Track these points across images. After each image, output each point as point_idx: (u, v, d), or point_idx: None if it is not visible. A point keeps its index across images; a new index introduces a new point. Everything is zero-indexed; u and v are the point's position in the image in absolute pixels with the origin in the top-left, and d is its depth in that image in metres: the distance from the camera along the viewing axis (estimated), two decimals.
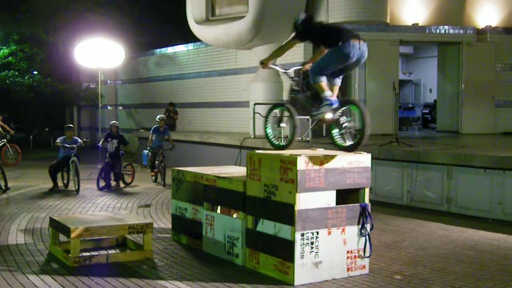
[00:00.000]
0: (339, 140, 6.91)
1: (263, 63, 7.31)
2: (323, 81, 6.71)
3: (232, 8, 17.62)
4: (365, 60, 6.81)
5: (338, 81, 6.93)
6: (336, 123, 6.86)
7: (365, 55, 6.67)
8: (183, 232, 8.13)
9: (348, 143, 6.80)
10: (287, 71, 7.29)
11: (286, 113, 7.33)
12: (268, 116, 7.56)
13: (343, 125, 6.78)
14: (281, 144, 7.45)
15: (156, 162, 14.52)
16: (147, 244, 7.33)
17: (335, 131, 6.93)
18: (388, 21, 17.11)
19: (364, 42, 6.66)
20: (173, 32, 24.55)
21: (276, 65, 7.45)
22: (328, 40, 6.65)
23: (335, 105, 6.70)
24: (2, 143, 14.50)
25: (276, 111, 7.48)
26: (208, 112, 20.68)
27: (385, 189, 11.44)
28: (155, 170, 14.51)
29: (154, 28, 25.71)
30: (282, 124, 7.40)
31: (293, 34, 7.01)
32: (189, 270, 6.78)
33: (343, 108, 6.77)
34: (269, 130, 7.56)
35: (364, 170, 6.63)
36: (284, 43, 7.35)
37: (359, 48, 6.55)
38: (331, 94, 6.73)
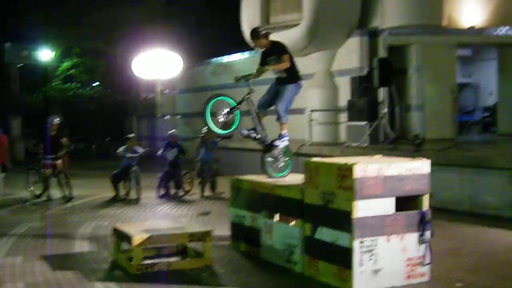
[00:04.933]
0: (270, 168, 8.25)
1: None
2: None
3: (286, 16, 17.71)
4: None
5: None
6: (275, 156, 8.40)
7: None
8: (242, 239, 8.22)
9: (279, 173, 8.23)
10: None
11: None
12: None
13: (279, 158, 8.37)
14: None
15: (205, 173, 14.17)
16: (207, 251, 7.43)
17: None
18: (445, 24, 16.83)
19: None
20: (229, 40, 24.80)
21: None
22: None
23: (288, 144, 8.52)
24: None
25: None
26: (264, 119, 20.79)
27: (445, 195, 11.26)
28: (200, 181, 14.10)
29: (211, 37, 26.01)
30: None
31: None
32: (249, 278, 6.86)
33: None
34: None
35: (422, 176, 6.57)
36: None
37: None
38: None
